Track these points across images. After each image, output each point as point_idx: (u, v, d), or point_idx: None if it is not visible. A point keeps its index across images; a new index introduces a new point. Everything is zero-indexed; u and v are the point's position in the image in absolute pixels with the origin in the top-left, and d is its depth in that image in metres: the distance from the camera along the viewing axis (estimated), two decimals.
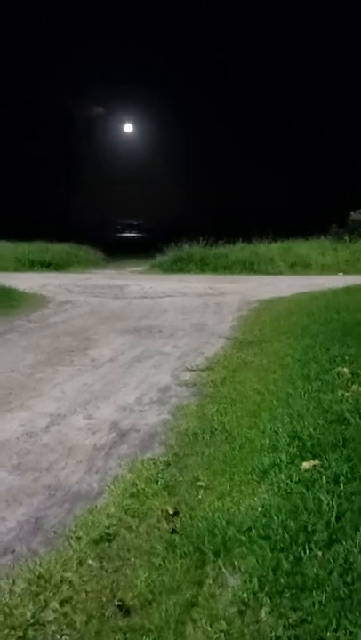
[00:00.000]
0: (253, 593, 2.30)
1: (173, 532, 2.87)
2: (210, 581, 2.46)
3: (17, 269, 18.03)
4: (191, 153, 29.89)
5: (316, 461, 3.27)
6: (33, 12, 27.51)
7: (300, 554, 2.49)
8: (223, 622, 2.20)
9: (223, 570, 2.51)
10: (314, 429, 3.71)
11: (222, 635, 2.15)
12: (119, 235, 29.39)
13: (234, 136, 29.32)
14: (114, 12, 28.35)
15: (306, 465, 3.25)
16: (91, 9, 28.09)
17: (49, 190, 29.43)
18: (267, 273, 17.69)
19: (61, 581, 2.53)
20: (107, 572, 2.60)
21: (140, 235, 29.36)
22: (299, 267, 18.35)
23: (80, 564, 2.67)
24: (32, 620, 2.30)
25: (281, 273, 17.77)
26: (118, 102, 32.36)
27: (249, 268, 18.28)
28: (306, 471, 3.19)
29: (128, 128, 34.55)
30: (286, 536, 2.61)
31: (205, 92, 29.42)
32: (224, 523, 2.81)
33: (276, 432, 3.80)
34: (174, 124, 30.23)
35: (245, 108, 29.13)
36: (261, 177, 28.32)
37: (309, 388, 4.66)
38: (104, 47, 29.13)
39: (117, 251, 23.82)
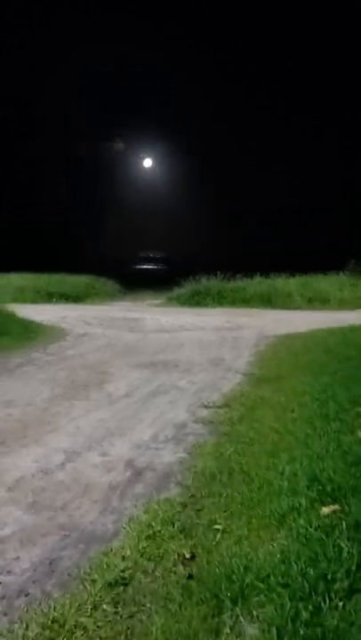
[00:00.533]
0: None
1: (190, 577, 2.81)
2: (227, 630, 2.40)
3: (35, 301, 18.22)
4: (209, 187, 30.24)
5: (337, 506, 3.21)
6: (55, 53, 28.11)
7: (319, 603, 2.43)
8: None
9: (241, 618, 2.45)
10: (334, 472, 3.64)
11: None
12: (137, 267, 29.68)
13: (254, 169, 29.56)
14: (133, 51, 28.78)
15: (326, 510, 3.19)
16: (115, 48, 28.65)
17: (69, 223, 29.91)
18: (284, 307, 17.69)
19: (75, 626, 2.49)
20: (121, 617, 2.55)
21: (157, 267, 29.62)
22: (317, 302, 18.36)
23: (95, 608, 2.62)
24: None
25: (299, 308, 17.75)
26: (138, 139, 33.19)
27: (267, 302, 18.31)
28: (326, 516, 3.13)
29: (147, 163, 35.45)
30: (306, 584, 2.55)
31: (224, 127, 29.74)
32: (242, 569, 2.75)
33: (295, 474, 3.74)
34: (193, 159, 30.68)
35: (269, 143, 29.35)
36: (283, 213, 28.37)
37: (329, 428, 4.60)
38: (127, 86, 29.87)
39: (135, 283, 23.98)
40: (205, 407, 5.95)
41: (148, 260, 30.39)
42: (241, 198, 28.57)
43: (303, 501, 3.33)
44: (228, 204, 29.92)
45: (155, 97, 29.83)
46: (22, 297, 18.22)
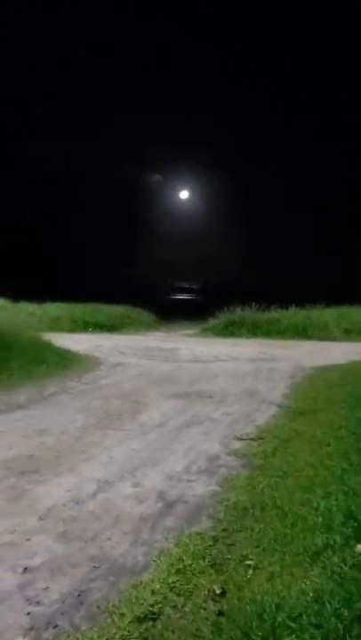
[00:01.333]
0: None
1: (220, 613, 2.75)
2: None
3: (72, 330, 18.40)
4: (245, 219, 30.45)
5: None
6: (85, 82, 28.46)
7: None
8: None
9: None
10: None
11: None
12: (172, 297, 29.80)
13: (290, 202, 29.64)
14: (167, 81, 29.12)
15: None
16: (145, 77, 28.97)
17: (106, 253, 30.42)
18: (320, 339, 17.48)
19: None
20: None
21: (192, 297, 29.70)
22: (353, 333, 18.09)
23: None
24: None
25: (335, 339, 17.51)
26: (175, 170, 33.86)
27: (302, 333, 18.12)
28: None
29: (184, 195, 35.96)
30: (340, 625, 2.46)
31: (249, 133, 29.56)
32: (273, 607, 2.68)
33: (329, 510, 3.66)
34: (230, 190, 31.01)
35: (303, 170, 29.39)
36: (320, 244, 28.30)
37: None
38: (160, 117, 30.29)
39: (170, 313, 24.13)
40: (239, 439, 5.90)
41: (183, 290, 30.57)
42: (277, 224, 28.56)
43: (338, 538, 3.25)
44: (264, 237, 30.04)
45: (195, 131, 30.32)
46: (58, 326, 18.39)
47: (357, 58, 25.93)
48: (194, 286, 30.35)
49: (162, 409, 7.33)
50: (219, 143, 29.94)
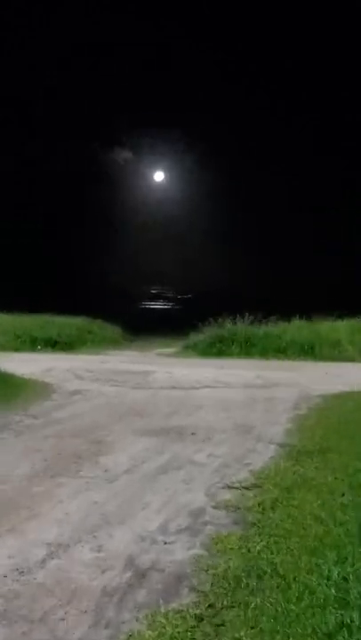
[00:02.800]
0: None
1: None
2: None
3: (16, 348, 18.23)
4: (235, 208, 30.55)
5: None
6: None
7: None
8: None
9: None
10: None
11: None
12: (146, 306, 29.63)
13: (290, 195, 30.06)
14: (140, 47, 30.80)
15: None
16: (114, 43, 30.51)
17: (60, 251, 30.15)
18: (332, 359, 17.49)
19: None
20: None
21: (170, 307, 29.57)
22: None
23: None
24: None
25: (351, 359, 17.52)
26: (147, 147, 34.11)
27: (308, 352, 18.15)
28: None
29: (159, 177, 36.04)
30: None
31: (249, 133, 30.86)
32: None
33: (345, 579, 3.62)
34: (215, 173, 31.20)
35: (303, 162, 30.30)
36: (323, 239, 28.66)
37: None
38: (131, 86, 31.56)
39: (142, 326, 23.90)
40: (229, 488, 5.86)
41: (159, 298, 30.45)
42: (274, 222, 28.93)
43: (356, 616, 3.22)
44: (257, 229, 30.16)
45: (168, 98, 31.06)
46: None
47: (358, 58, 28.52)
48: (172, 293, 30.31)
49: (131, 450, 7.27)
50: (201, 112, 30.65)
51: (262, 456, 6.98)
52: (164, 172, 35.57)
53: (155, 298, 30.56)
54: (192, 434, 8.15)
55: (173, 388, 12.15)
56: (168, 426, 8.61)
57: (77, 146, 31.07)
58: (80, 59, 30.26)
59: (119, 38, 30.61)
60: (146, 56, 30.98)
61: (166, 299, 30.50)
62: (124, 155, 35.41)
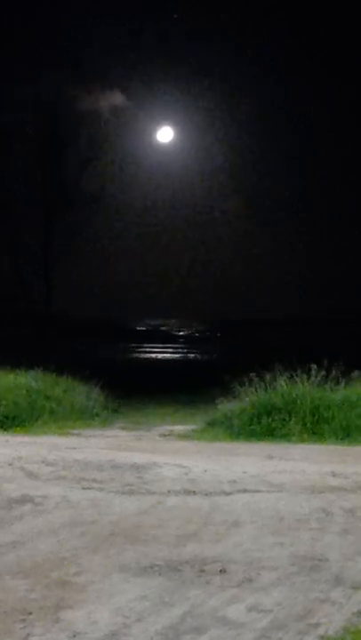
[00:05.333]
0: None
1: None
2: None
3: None
4: (281, 185, 28.47)
5: None
6: None
7: None
8: None
9: None
10: None
11: None
12: (141, 351, 26.51)
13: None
14: None
15: None
16: None
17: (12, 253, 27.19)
18: None
19: None
20: None
21: (182, 352, 26.59)
22: None
23: None
24: None
25: None
26: (148, 93, 31.40)
27: None
28: None
29: (164, 135, 32.49)
30: None
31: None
32: None
33: None
34: (243, 131, 28.98)
35: None
36: None
37: None
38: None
39: (136, 386, 21.52)
40: None
41: (165, 338, 27.61)
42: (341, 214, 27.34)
43: None
44: (322, 226, 28.36)
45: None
46: None
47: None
48: (186, 327, 27.59)
49: (117, 599, 5.97)
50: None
51: (342, 611, 5.79)
52: (173, 127, 32.20)
53: (155, 336, 27.67)
54: (221, 571, 6.69)
55: (189, 493, 9.93)
56: (180, 558, 7.01)
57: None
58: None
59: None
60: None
61: (177, 339, 27.56)
62: (112, 101, 31.67)
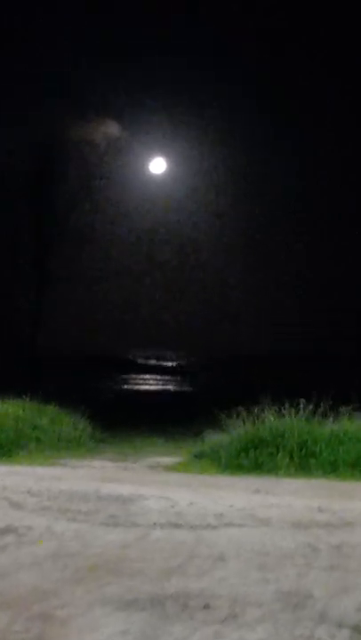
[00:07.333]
0: None
1: None
2: None
3: None
4: (274, 222, 28.84)
5: None
6: None
7: None
8: None
9: None
10: None
11: None
12: (130, 382, 26.57)
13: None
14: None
15: None
16: None
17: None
18: None
19: None
20: None
21: (170, 384, 26.70)
22: None
23: None
24: None
25: None
26: (141, 122, 31.60)
27: None
28: None
29: (157, 166, 32.74)
30: None
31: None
32: None
33: None
34: (243, 161, 29.19)
35: None
36: None
37: None
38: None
39: (123, 417, 21.72)
40: None
41: (153, 370, 27.84)
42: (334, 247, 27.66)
43: None
44: (312, 259, 28.72)
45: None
46: None
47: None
48: (174, 360, 27.89)
49: (99, 634, 5.99)
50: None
51: None
52: (166, 158, 32.36)
53: (145, 369, 27.98)
54: (205, 607, 6.75)
55: (175, 526, 10.01)
56: (164, 592, 7.13)
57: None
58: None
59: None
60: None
61: (164, 371, 27.81)
62: (106, 130, 31.94)
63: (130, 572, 7.58)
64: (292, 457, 15.03)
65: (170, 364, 27.57)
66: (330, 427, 16.04)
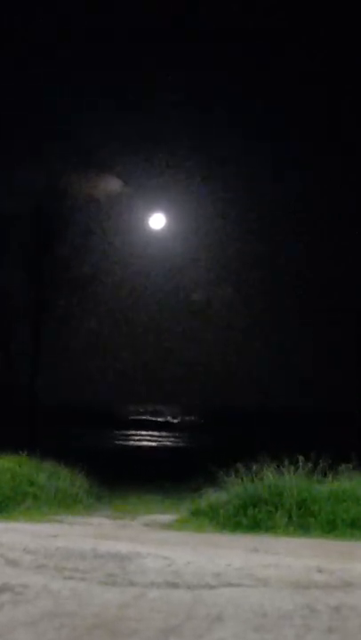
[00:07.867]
0: None
1: None
2: None
3: None
4: (267, 265, 29.04)
5: None
6: None
7: None
8: None
9: None
10: None
11: None
12: (126, 439, 26.31)
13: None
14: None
15: None
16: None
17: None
18: None
19: None
20: None
21: (168, 440, 26.77)
22: None
23: None
24: None
25: None
26: (141, 178, 31.99)
27: None
28: None
29: (157, 222, 33.05)
30: None
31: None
32: None
33: None
34: (236, 217, 29.42)
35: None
36: None
37: None
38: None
39: (120, 474, 21.70)
40: None
41: (149, 425, 27.89)
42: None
43: None
44: (308, 314, 28.83)
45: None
46: None
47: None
48: (171, 415, 27.90)
49: None
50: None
51: None
52: (165, 214, 32.58)
53: (142, 424, 27.98)
54: None
55: (172, 585, 9.74)
56: None
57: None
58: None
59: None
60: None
61: (161, 426, 27.86)
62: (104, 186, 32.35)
63: (127, 632, 7.53)
64: (290, 516, 14.95)
65: (168, 419, 27.61)
66: (329, 485, 15.89)
